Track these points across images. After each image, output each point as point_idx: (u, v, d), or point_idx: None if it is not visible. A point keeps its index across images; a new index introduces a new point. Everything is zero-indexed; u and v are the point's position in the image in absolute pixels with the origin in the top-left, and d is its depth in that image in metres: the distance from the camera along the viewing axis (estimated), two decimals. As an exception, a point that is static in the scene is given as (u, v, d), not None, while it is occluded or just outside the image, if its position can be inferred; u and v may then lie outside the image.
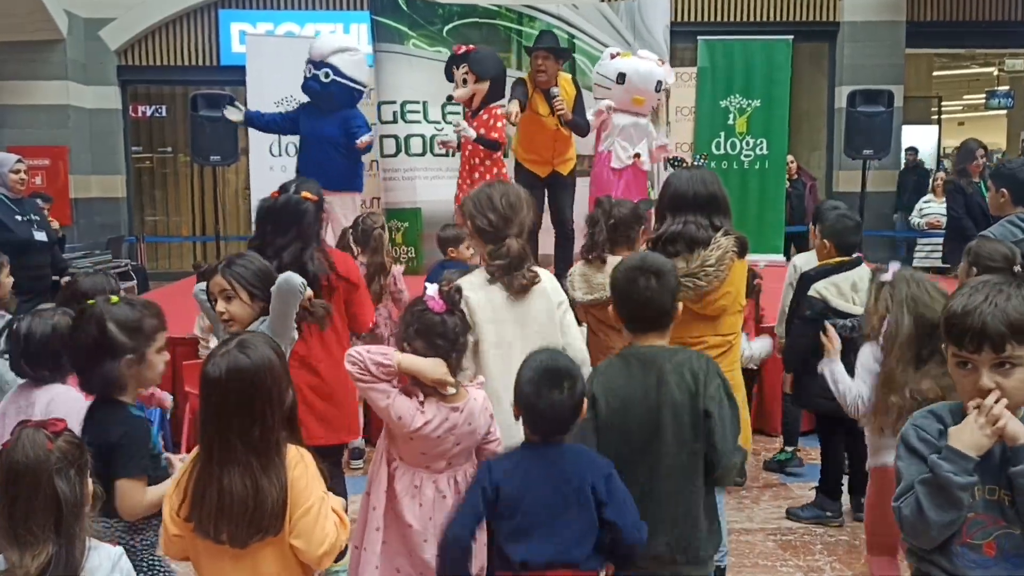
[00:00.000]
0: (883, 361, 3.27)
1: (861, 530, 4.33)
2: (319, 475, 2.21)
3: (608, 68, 6.82)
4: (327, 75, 6.37)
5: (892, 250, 11.86)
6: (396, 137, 8.10)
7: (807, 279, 4.31)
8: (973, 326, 1.90)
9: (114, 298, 2.73)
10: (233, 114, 6.65)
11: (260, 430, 2.10)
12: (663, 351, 2.59)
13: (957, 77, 18.86)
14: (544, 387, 2.37)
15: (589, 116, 6.43)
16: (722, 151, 9.46)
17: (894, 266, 3.36)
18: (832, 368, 3.50)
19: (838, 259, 4.32)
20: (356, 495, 2.90)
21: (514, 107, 5.98)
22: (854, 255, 4.35)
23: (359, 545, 2.72)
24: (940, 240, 9.19)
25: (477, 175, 6.16)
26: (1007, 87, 18.32)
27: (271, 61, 8.28)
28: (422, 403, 2.60)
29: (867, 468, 3.54)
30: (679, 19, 11.74)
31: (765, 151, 9.48)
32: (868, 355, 3.41)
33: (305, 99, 6.63)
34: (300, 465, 2.17)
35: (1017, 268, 3.51)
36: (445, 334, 2.64)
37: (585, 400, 2.46)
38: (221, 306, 3.07)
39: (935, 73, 17.14)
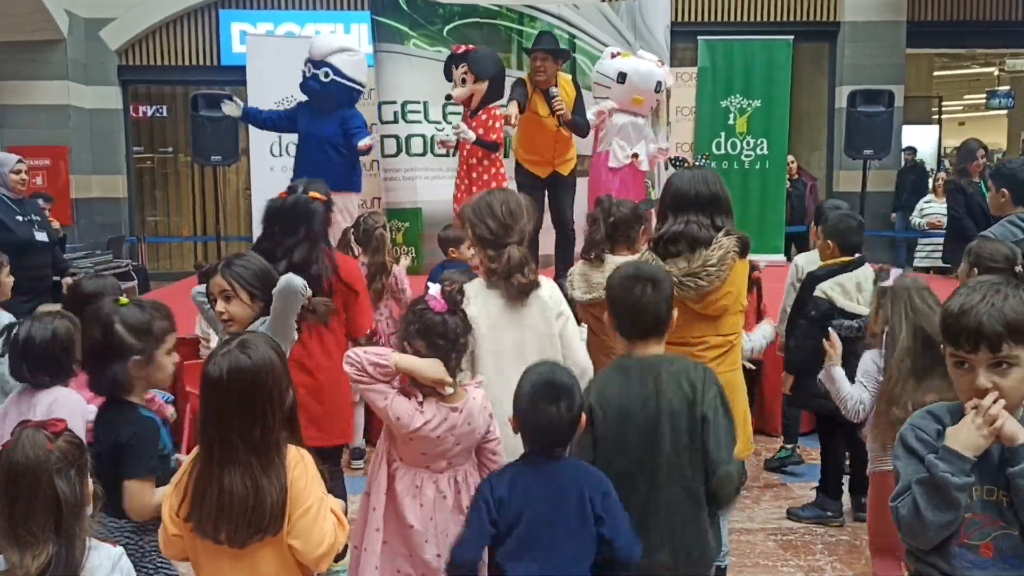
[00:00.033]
0: (884, 372, 3.28)
1: (862, 530, 4.33)
2: (319, 476, 2.21)
3: (608, 67, 6.82)
4: (327, 75, 6.37)
5: (892, 250, 11.86)
6: (397, 137, 8.10)
7: (813, 279, 4.31)
8: (969, 326, 1.90)
9: (123, 299, 2.74)
10: (231, 109, 6.64)
11: (261, 430, 2.10)
12: (660, 360, 2.59)
13: (958, 77, 18.86)
14: (542, 402, 2.37)
15: (590, 115, 6.42)
16: (722, 151, 9.46)
17: (895, 272, 3.36)
18: (833, 373, 3.51)
19: (843, 259, 4.33)
20: (356, 495, 2.90)
21: (513, 108, 5.98)
22: (857, 255, 4.35)
23: (359, 545, 2.72)
24: (940, 240, 9.19)
25: (475, 175, 6.15)
26: (1007, 87, 18.32)
27: (271, 61, 8.28)
28: (421, 403, 2.60)
29: (868, 472, 3.54)
30: (679, 19, 11.75)
31: (765, 151, 9.48)
32: (869, 361, 3.42)
33: (303, 98, 6.62)
34: (300, 465, 2.17)
35: (1018, 268, 3.51)
36: (446, 334, 2.64)
37: (583, 413, 2.45)
38: (221, 306, 3.07)
39: (936, 73, 17.14)
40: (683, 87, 9.36)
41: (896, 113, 10.65)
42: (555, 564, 2.32)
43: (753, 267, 4.70)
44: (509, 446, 2.70)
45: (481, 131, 6.08)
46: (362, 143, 6.32)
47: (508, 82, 6.41)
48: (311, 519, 2.14)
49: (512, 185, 6.35)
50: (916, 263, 10.42)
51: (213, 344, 4.40)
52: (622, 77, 6.69)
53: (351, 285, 3.74)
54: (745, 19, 12.64)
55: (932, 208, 10.15)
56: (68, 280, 5.23)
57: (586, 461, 2.48)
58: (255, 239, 8.46)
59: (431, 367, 2.59)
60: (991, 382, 1.90)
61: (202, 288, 3.35)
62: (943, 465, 1.89)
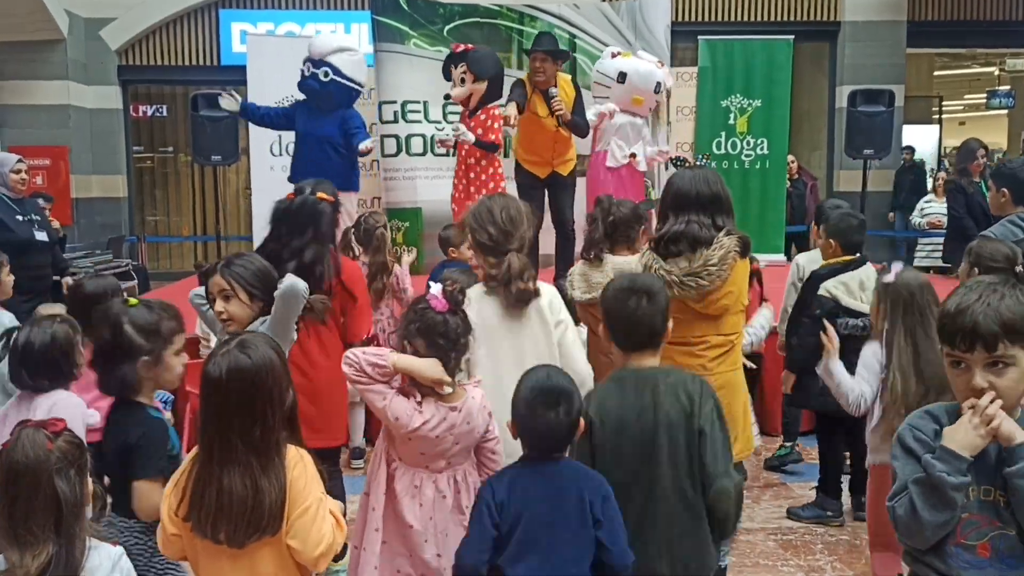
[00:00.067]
0: (885, 367, 3.28)
1: (862, 530, 4.33)
2: (318, 476, 2.21)
3: (609, 67, 6.82)
4: (326, 74, 6.37)
5: (892, 250, 11.86)
6: (397, 137, 8.11)
7: (817, 278, 4.31)
8: (965, 325, 1.91)
9: (132, 300, 2.75)
10: (228, 103, 6.63)
11: (260, 430, 2.10)
12: (657, 372, 2.58)
13: (958, 77, 18.86)
14: (540, 406, 2.37)
15: (590, 116, 6.42)
16: (723, 151, 9.46)
17: (896, 267, 3.37)
18: (832, 367, 3.50)
19: (845, 258, 4.33)
20: (356, 495, 2.90)
21: (512, 110, 5.97)
22: (859, 254, 4.35)
23: (359, 545, 2.72)
24: (941, 240, 9.19)
25: (473, 175, 6.15)
26: (1008, 87, 18.32)
27: (272, 61, 8.28)
28: (419, 403, 2.60)
29: (867, 465, 3.54)
30: (680, 19, 11.74)
31: (766, 151, 9.48)
32: (870, 354, 3.42)
33: (303, 97, 6.62)
34: (299, 465, 2.17)
35: (1019, 268, 3.51)
36: (446, 334, 2.63)
37: (582, 419, 2.45)
38: (220, 306, 3.07)
39: (936, 73, 17.14)
40: (683, 87, 9.36)
41: (896, 113, 10.65)
42: (555, 565, 2.31)
43: (751, 258, 4.71)
44: (508, 450, 2.70)
45: (480, 131, 6.07)
46: (363, 145, 6.32)
47: (507, 82, 6.41)
48: (310, 519, 2.13)
49: (511, 185, 6.35)
50: (916, 263, 10.41)
51: (213, 344, 4.40)
52: (622, 77, 6.69)
53: (351, 290, 3.73)
54: (745, 19, 12.64)
55: (932, 208, 10.16)
56: (68, 280, 5.23)
57: None
58: (255, 239, 8.49)
59: (430, 367, 2.59)
60: (987, 382, 1.90)
61: (199, 291, 3.35)
62: (939, 465, 1.89)
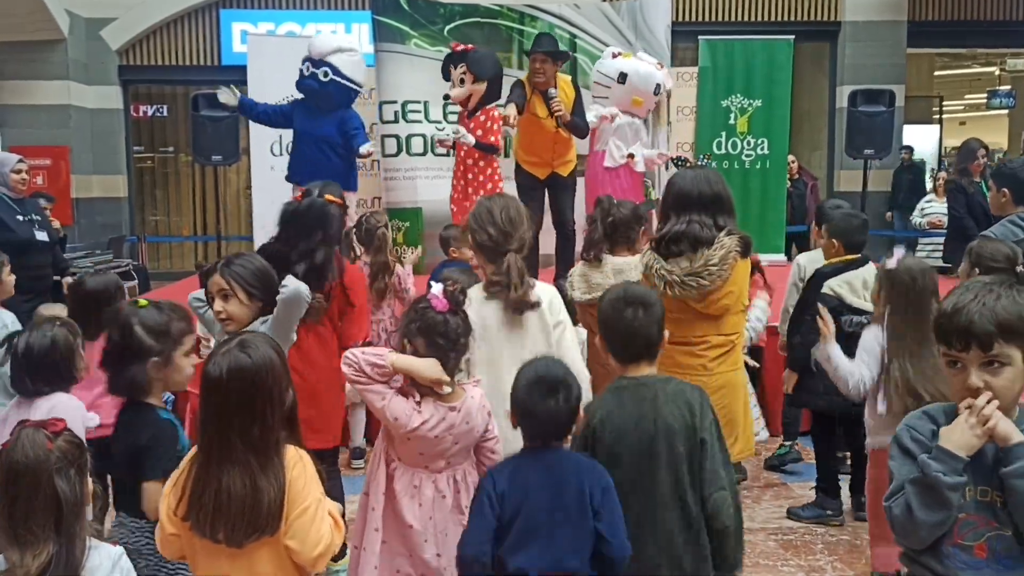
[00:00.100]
0: (886, 350, 3.29)
1: (862, 530, 4.33)
2: (317, 477, 2.21)
3: (609, 67, 6.82)
4: (326, 74, 6.36)
5: (891, 249, 11.84)
6: (397, 137, 8.10)
7: (821, 276, 4.31)
8: (961, 325, 1.91)
9: (142, 301, 2.76)
10: (227, 97, 6.62)
11: (260, 429, 2.10)
12: (655, 381, 2.58)
13: (958, 77, 18.86)
14: (539, 394, 2.38)
15: (591, 118, 6.42)
16: (723, 151, 9.45)
17: (899, 252, 3.39)
18: (830, 352, 3.52)
19: (848, 257, 4.34)
20: (356, 495, 2.90)
21: (511, 110, 5.97)
22: (862, 253, 4.36)
23: (359, 545, 2.72)
24: (941, 240, 9.19)
25: (471, 176, 6.14)
26: (1008, 87, 18.32)
27: (272, 61, 8.28)
28: (418, 403, 2.60)
29: (866, 450, 3.55)
30: (680, 19, 11.74)
31: (766, 151, 9.48)
32: (871, 338, 3.44)
33: (301, 96, 6.62)
34: (299, 466, 2.17)
35: (1019, 268, 3.52)
36: (446, 334, 2.63)
37: (582, 407, 2.46)
38: (219, 305, 3.07)
39: (936, 73, 17.13)
40: (684, 87, 9.36)
41: (897, 113, 10.65)
42: (554, 554, 2.32)
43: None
44: (508, 448, 2.70)
45: (479, 132, 6.07)
46: (364, 149, 6.33)
47: (507, 83, 6.40)
48: (308, 520, 2.13)
49: (510, 185, 6.35)
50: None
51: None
52: (623, 77, 6.69)
53: (350, 294, 3.72)
54: (746, 19, 12.63)
55: (933, 208, 10.15)
56: (68, 280, 5.23)
57: None
58: (256, 239, 8.48)
59: (429, 367, 2.59)
60: (983, 381, 1.91)
61: (198, 294, 3.35)
62: (935, 464, 1.89)
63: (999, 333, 1.89)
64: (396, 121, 8.10)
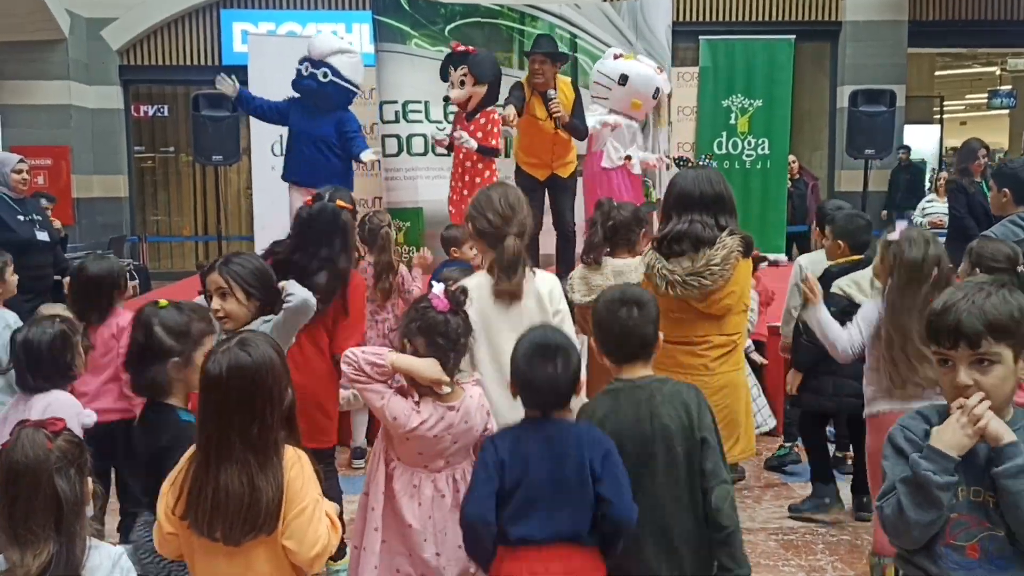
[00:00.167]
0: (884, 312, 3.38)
1: (863, 530, 4.33)
2: (315, 477, 2.21)
3: (611, 68, 6.82)
4: (325, 75, 6.36)
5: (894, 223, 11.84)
6: (398, 137, 8.10)
7: (829, 276, 4.32)
8: (949, 323, 1.93)
9: (162, 302, 2.77)
10: (225, 85, 6.61)
11: (259, 428, 2.10)
12: (652, 382, 2.58)
13: (959, 77, 18.87)
14: (538, 360, 2.39)
15: (592, 123, 6.43)
16: (724, 151, 9.45)
17: (901, 224, 3.42)
18: (819, 316, 3.61)
19: (854, 257, 4.35)
20: (357, 495, 2.91)
21: (511, 111, 5.97)
22: (866, 253, 4.37)
23: (359, 545, 2.72)
24: (942, 240, 9.17)
25: (468, 177, 6.14)
26: (1009, 86, 18.32)
27: (273, 61, 8.27)
28: (417, 403, 2.60)
29: (864, 416, 3.59)
30: (681, 19, 11.75)
31: (767, 151, 9.47)
32: (872, 307, 3.51)
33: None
34: (297, 466, 2.17)
35: (1020, 268, 3.52)
36: (447, 334, 2.64)
37: (583, 376, 2.46)
38: (216, 303, 3.07)
39: (937, 73, 17.14)
40: (684, 87, 9.35)
41: (897, 113, 10.65)
42: (555, 523, 2.34)
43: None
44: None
45: (479, 135, 6.07)
46: (366, 157, 6.34)
47: (506, 83, 6.40)
48: (306, 520, 2.13)
49: (509, 186, 6.34)
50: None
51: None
52: (624, 79, 6.70)
53: (347, 302, 3.70)
54: (746, 19, 12.64)
55: (934, 208, 10.13)
56: (68, 280, 5.23)
57: None
58: (257, 239, 8.46)
59: (428, 367, 2.59)
60: (972, 379, 1.92)
61: (198, 300, 3.35)
62: (926, 464, 1.89)
63: (988, 331, 1.90)
64: (397, 121, 8.09)
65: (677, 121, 9.26)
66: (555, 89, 6.13)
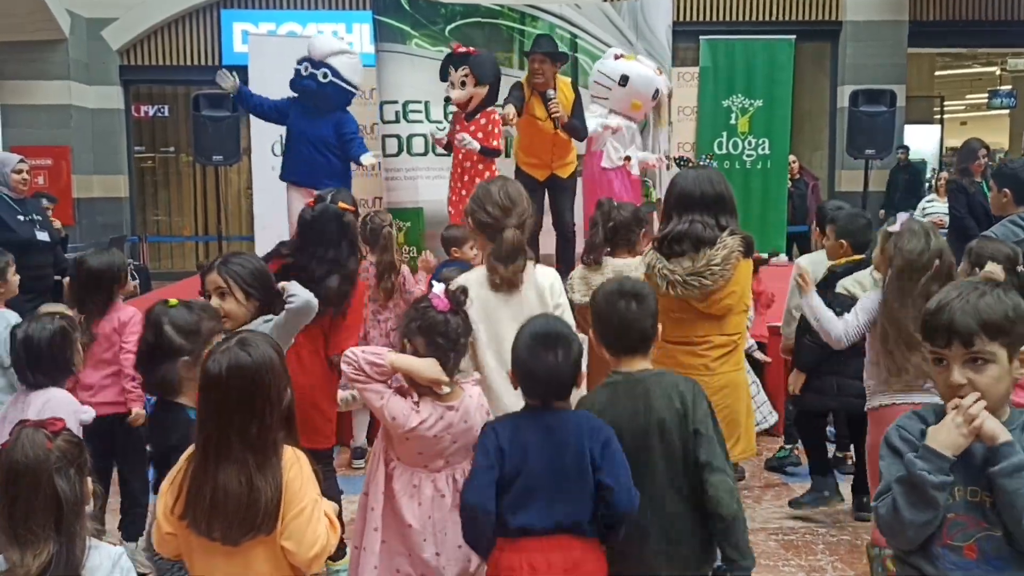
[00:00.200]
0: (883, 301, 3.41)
1: (863, 530, 4.33)
2: (314, 478, 2.21)
3: (611, 68, 6.82)
4: (325, 75, 6.36)
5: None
6: (398, 137, 8.09)
7: (834, 276, 4.32)
8: (943, 321, 1.94)
9: (172, 300, 2.78)
10: (225, 81, 6.61)
11: (258, 428, 2.10)
12: (649, 375, 2.58)
13: (959, 77, 18.87)
14: (539, 350, 2.40)
15: (593, 126, 6.43)
16: (724, 151, 9.44)
17: (902, 217, 3.45)
18: (812, 303, 3.67)
19: (857, 257, 4.35)
20: (356, 495, 2.91)
21: (510, 110, 5.97)
22: (868, 252, 4.37)
23: (359, 545, 2.72)
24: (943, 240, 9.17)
25: (468, 177, 6.14)
26: (1009, 86, 18.32)
27: (273, 61, 8.26)
28: (417, 403, 2.60)
29: (865, 410, 3.60)
30: (681, 19, 11.75)
31: (767, 151, 9.47)
32: (871, 299, 3.53)
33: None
34: (296, 466, 2.17)
35: (1020, 268, 3.52)
36: (447, 334, 2.64)
37: (584, 366, 2.46)
38: (215, 303, 3.07)
39: (937, 73, 17.15)
40: (685, 87, 9.35)
41: (898, 113, 10.65)
42: (555, 513, 2.34)
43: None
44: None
45: (480, 135, 6.07)
46: (366, 161, 6.34)
47: (505, 84, 6.40)
48: (305, 521, 2.13)
49: (508, 186, 6.34)
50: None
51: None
52: (624, 80, 6.71)
53: (343, 308, 3.70)
54: (747, 18, 12.64)
55: (934, 208, 10.14)
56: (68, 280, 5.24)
57: None
58: (257, 239, 8.44)
59: (427, 367, 2.60)
60: (966, 378, 1.92)
61: None
62: (921, 463, 1.89)
63: (981, 330, 1.90)
64: (397, 121, 8.08)
65: (677, 121, 9.25)
66: (555, 89, 6.13)
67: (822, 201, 8.95)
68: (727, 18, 12.65)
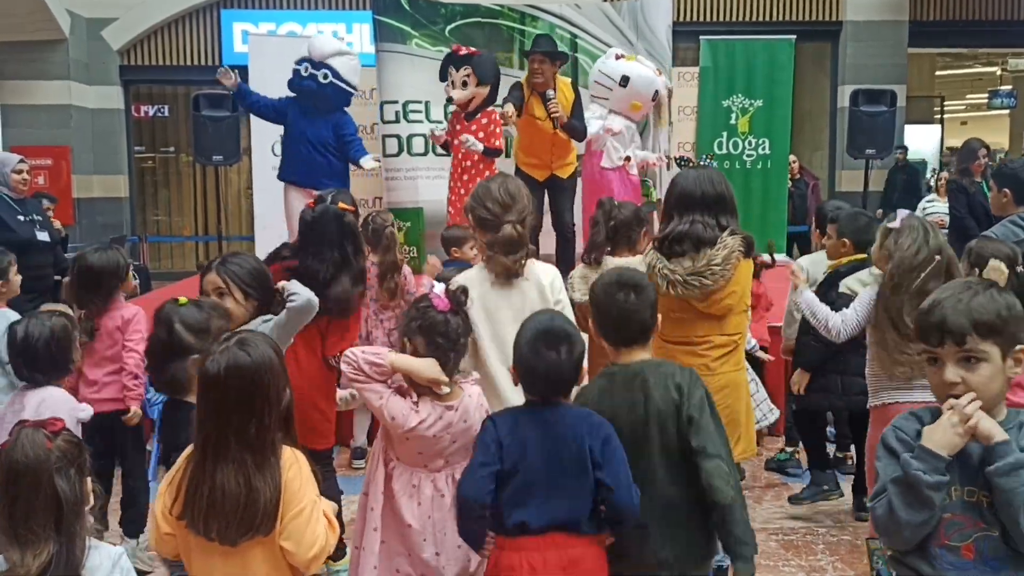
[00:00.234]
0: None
1: (863, 530, 4.33)
2: (312, 478, 2.21)
3: (612, 69, 6.83)
4: (325, 76, 6.37)
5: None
6: (398, 137, 8.09)
7: (838, 275, 4.33)
8: (935, 320, 1.95)
9: (182, 299, 2.78)
10: (226, 78, 6.61)
11: (257, 428, 2.10)
12: (647, 364, 2.58)
13: (960, 77, 18.87)
14: (542, 347, 2.39)
15: (593, 129, 6.43)
16: (724, 151, 9.44)
17: (902, 214, 3.44)
18: (806, 299, 3.71)
19: (859, 256, 4.35)
20: (356, 495, 2.91)
21: (509, 108, 5.97)
22: (870, 251, 4.38)
23: (359, 545, 2.72)
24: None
25: (467, 177, 6.14)
26: (1010, 87, 18.32)
27: (273, 61, 8.27)
28: (416, 403, 2.60)
29: (868, 407, 3.61)
30: (681, 19, 11.75)
31: (767, 151, 9.47)
32: (871, 293, 3.53)
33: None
34: (295, 467, 2.17)
35: (1020, 268, 3.52)
36: (447, 334, 2.64)
37: (586, 364, 2.45)
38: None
39: (938, 73, 17.15)
40: (685, 87, 9.35)
41: (898, 113, 10.64)
42: (554, 510, 2.34)
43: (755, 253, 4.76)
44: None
45: (481, 135, 6.07)
46: (367, 165, 6.35)
47: (504, 84, 6.40)
48: (304, 521, 2.13)
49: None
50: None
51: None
52: (625, 81, 6.72)
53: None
54: (747, 19, 12.64)
55: (934, 208, 10.13)
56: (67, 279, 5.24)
57: None
58: (257, 239, 8.44)
59: (427, 367, 2.60)
60: (959, 377, 1.93)
61: None
62: (916, 463, 1.90)
63: (973, 328, 1.91)
64: (397, 121, 8.09)
65: (678, 121, 9.25)
66: (555, 89, 6.13)
67: (822, 201, 8.95)
68: (727, 18, 12.65)
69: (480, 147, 5.95)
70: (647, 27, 8.69)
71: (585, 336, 4.05)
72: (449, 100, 6.54)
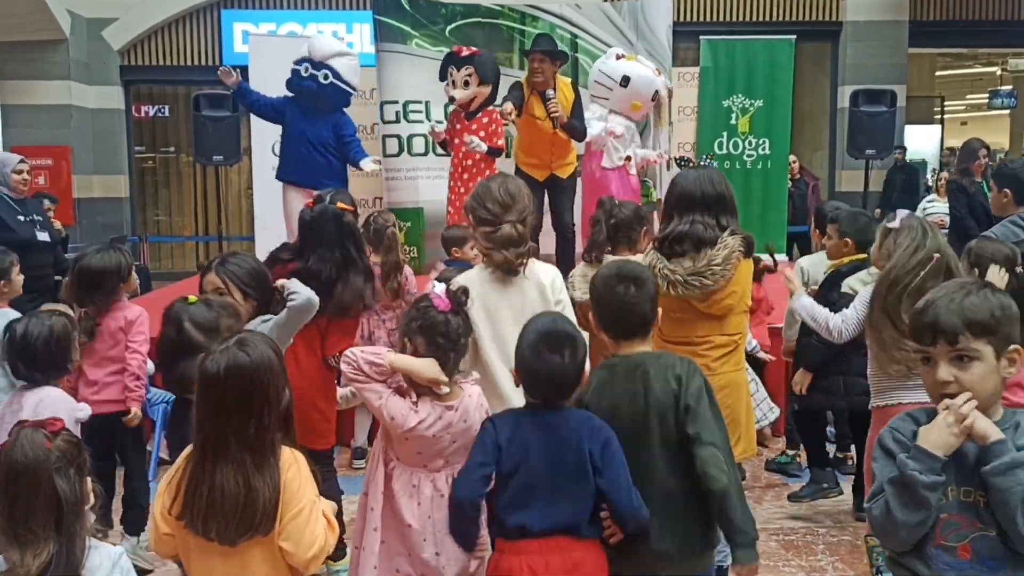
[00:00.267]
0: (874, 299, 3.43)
1: (863, 530, 4.32)
2: (312, 478, 2.21)
3: (612, 69, 6.83)
4: (326, 76, 6.36)
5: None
6: (399, 137, 8.10)
7: (840, 275, 4.33)
8: (928, 320, 1.96)
9: (192, 298, 2.78)
10: (227, 76, 6.61)
11: (256, 428, 2.10)
12: (646, 357, 2.58)
13: (960, 77, 18.88)
14: (544, 350, 2.39)
15: (594, 132, 6.43)
16: (724, 151, 9.45)
17: (901, 214, 3.45)
18: (803, 303, 3.74)
19: (860, 256, 4.36)
20: (356, 495, 2.91)
21: (509, 106, 5.97)
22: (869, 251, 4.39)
23: (359, 545, 2.72)
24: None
25: (467, 177, 6.14)
26: (1010, 87, 18.33)
27: (274, 61, 8.27)
28: (415, 403, 2.60)
29: (869, 407, 3.60)
30: (682, 19, 11.75)
31: (767, 151, 9.47)
32: (870, 292, 3.53)
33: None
34: (294, 467, 2.17)
35: (1019, 268, 3.52)
36: (447, 334, 2.64)
37: (587, 366, 2.46)
38: None
39: (938, 73, 17.15)
40: (685, 87, 9.36)
41: (898, 113, 10.64)
42: (554, 513, 2.34)
43: (756, 258, 4.76)
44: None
45: (482, 134, 6.07)
46: (368, 168, 6.35)
47: (504, 83, 6.40)
48: (303, 521, 2.13)
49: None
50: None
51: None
52: (626, 81, 6.72)
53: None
54: (747, 19, 12.64)
55: (935, 208, 10.13)
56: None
57: None
58: (257, 239, 8.44)
59: (427, 367, 2.59)
60: (952, 376, 1.93)
61: None
62: (912, 463, 1.90)
63: (966, 328, 1.92)
64: (397, 121, 8.10)
65: (678, 121, 9.26)
66: (555, 89, 6.13)
67: (821, 202, 8.95)
68: (727, 18, 12.65)
69: (484, 148, 5.96)
70: (647, 27, 8.70)
71: (585, 334, 4.06)
72: (450, 100, 6.55)
